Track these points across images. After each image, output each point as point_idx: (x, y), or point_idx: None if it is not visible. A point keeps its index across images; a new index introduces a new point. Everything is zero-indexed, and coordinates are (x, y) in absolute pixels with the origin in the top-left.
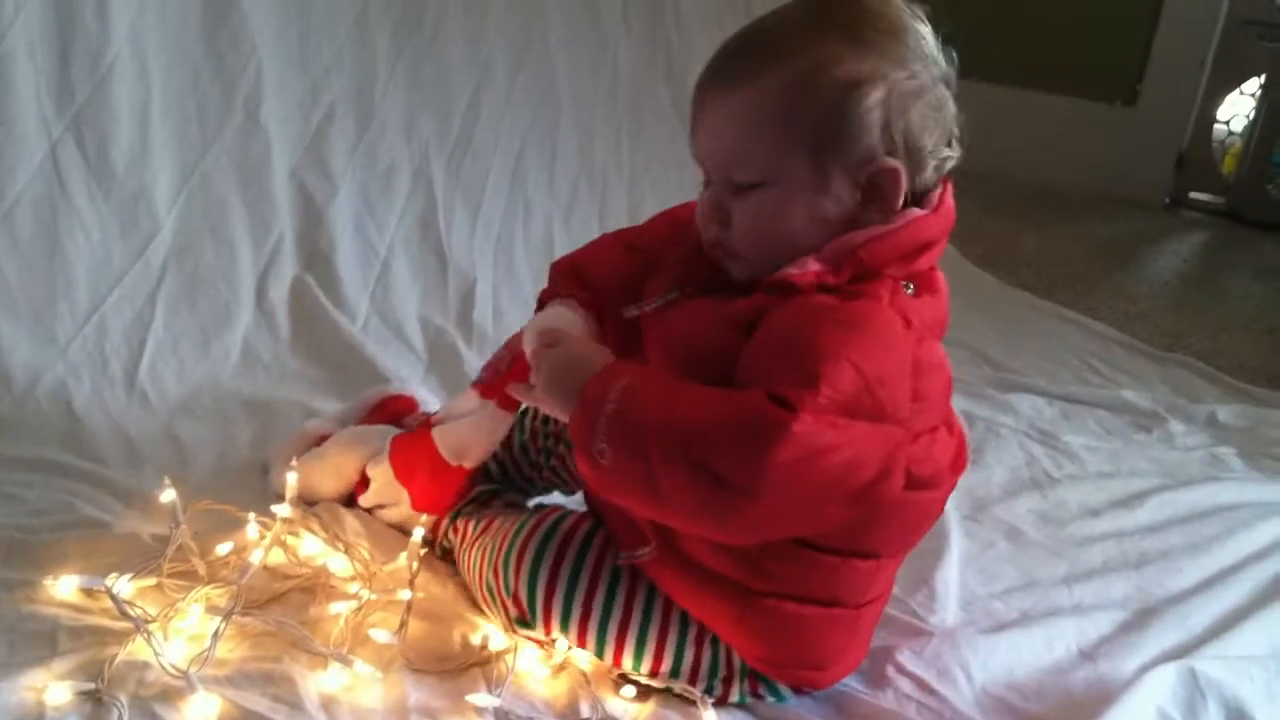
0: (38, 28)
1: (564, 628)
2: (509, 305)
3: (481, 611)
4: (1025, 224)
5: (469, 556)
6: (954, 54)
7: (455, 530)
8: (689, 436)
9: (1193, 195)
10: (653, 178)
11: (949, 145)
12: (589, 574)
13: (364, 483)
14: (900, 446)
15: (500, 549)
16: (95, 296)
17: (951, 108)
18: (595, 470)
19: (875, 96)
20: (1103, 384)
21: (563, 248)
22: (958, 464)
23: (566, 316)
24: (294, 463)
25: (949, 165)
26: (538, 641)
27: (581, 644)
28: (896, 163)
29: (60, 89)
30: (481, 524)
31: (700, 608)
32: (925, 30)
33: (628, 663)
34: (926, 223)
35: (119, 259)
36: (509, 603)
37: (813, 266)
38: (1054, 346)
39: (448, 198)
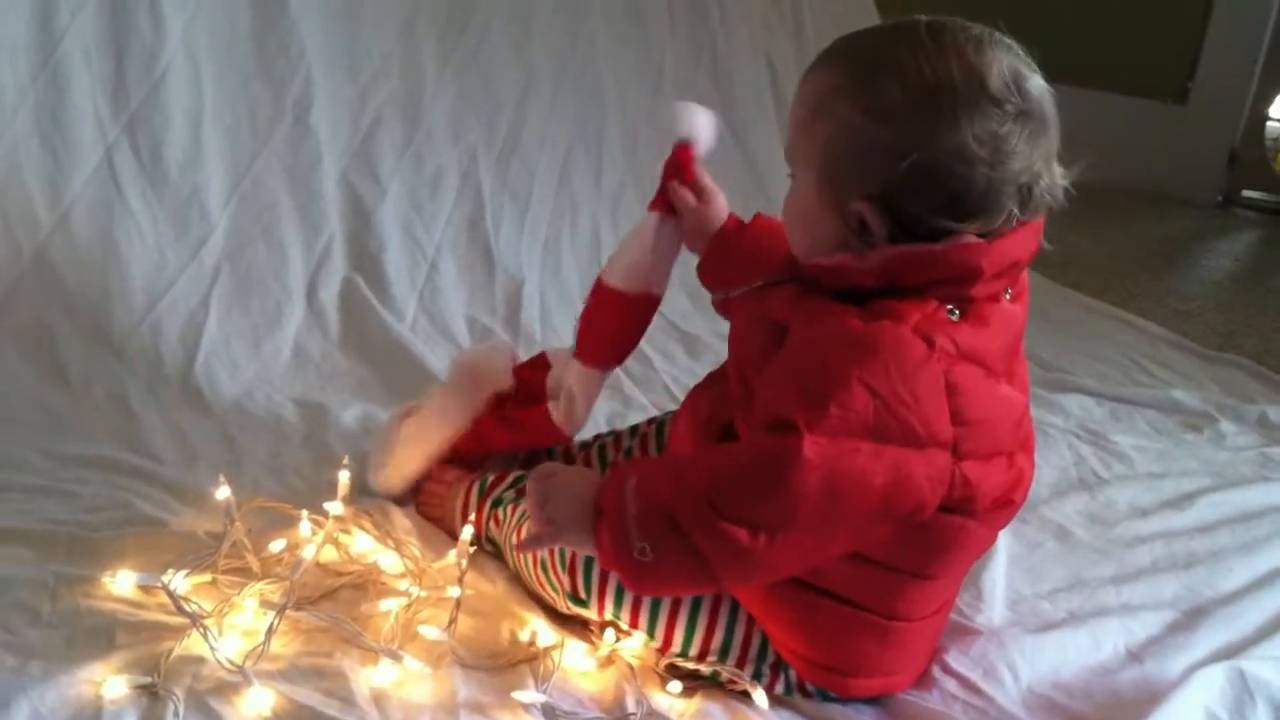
0: (93, 33)
1: (618, 604)
2: (556, 306)
3: (529, 606)
4: (1075, 223)
5: (517, 538)
6: (1033, 111)
7: (496, 520)
8: (711, 494)
9: (1245, 193)
10: None
11: (959, 217)
12: None
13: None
14: (946, 469)
15: None
16: (150, 297)
17: (963, 182)
18: (641, 572)
19: (873, 143)
20: (1153, 384)
21: (609, 249)
22: (1008, 498)
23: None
24: (346, 462)
25: (952, 229)
26: (588, 624)
27: (634, 622)
28: (870, 211)
29: (115, 93)
30: (524, 506)
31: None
32: (977, 96)
33: (678, 640)
34: (975, 250)
35: (173, 260)
36: (563, 578)
37: (840, 259)
38: (1103, 346)
39: (495, 200)
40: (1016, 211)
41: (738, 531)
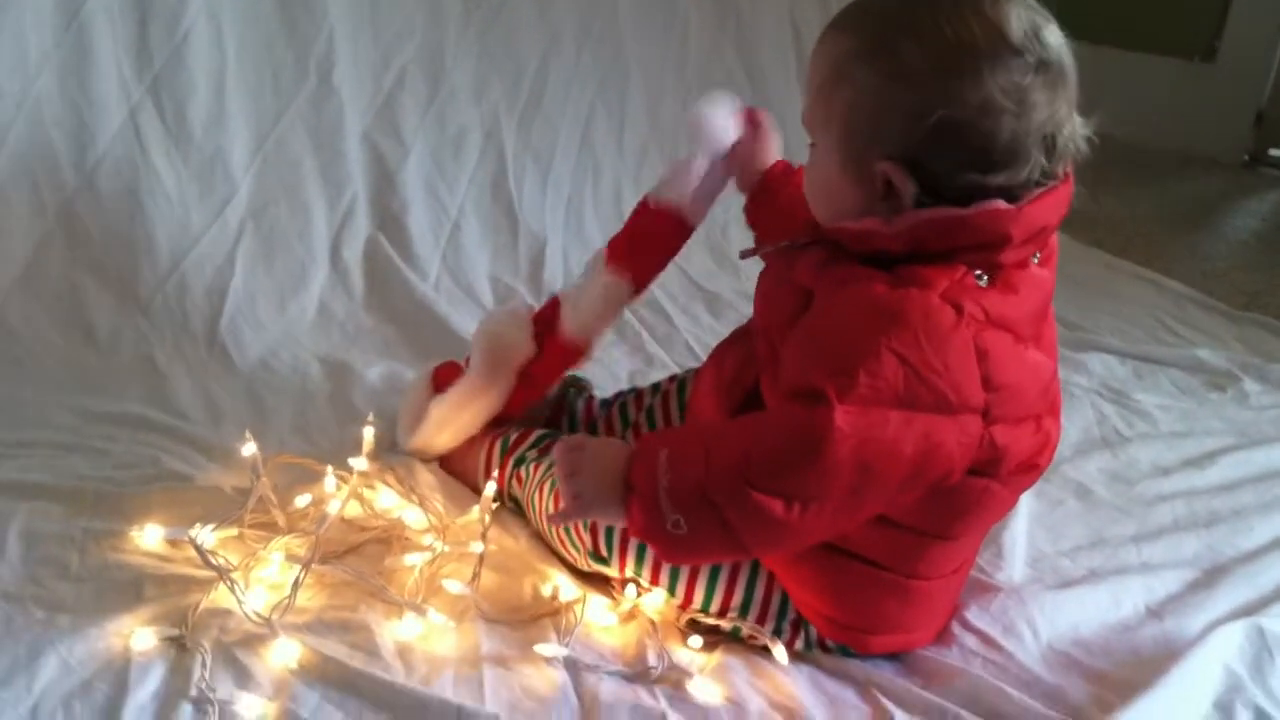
0: None
1: (639, 562)
2: (579, 265)
3: (552, 561)
4: (1100, 182)
5: (540, 497)
6: (1057, 73)
7: (519, 479)
8: (743, 467)
9: (1272, 152)
10: None
11: (986, 170)
12: None
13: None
14: (977, 434)
15: None
16: (175, 255)
17: (987, 136)
18: (674, 543)
19: (891, 103)
20: (1177, 343)
21: (632, 207)
22: (1033, 462)
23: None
24: (371, 419)
25: (980, 184)
26: (609, 580)
27: (654, 580)
28: (897, 170)
29: (139, 54)
30: (544, 466)
31: None
32: (999, 50)
33: (698, 598)
34: (1004, 216)
35: (198, 219)
36: (585, 536)
37: (869, 224)
38: (1128, 305)
39: (518, 160)
40: (1043, 161)
41: (771, 503)
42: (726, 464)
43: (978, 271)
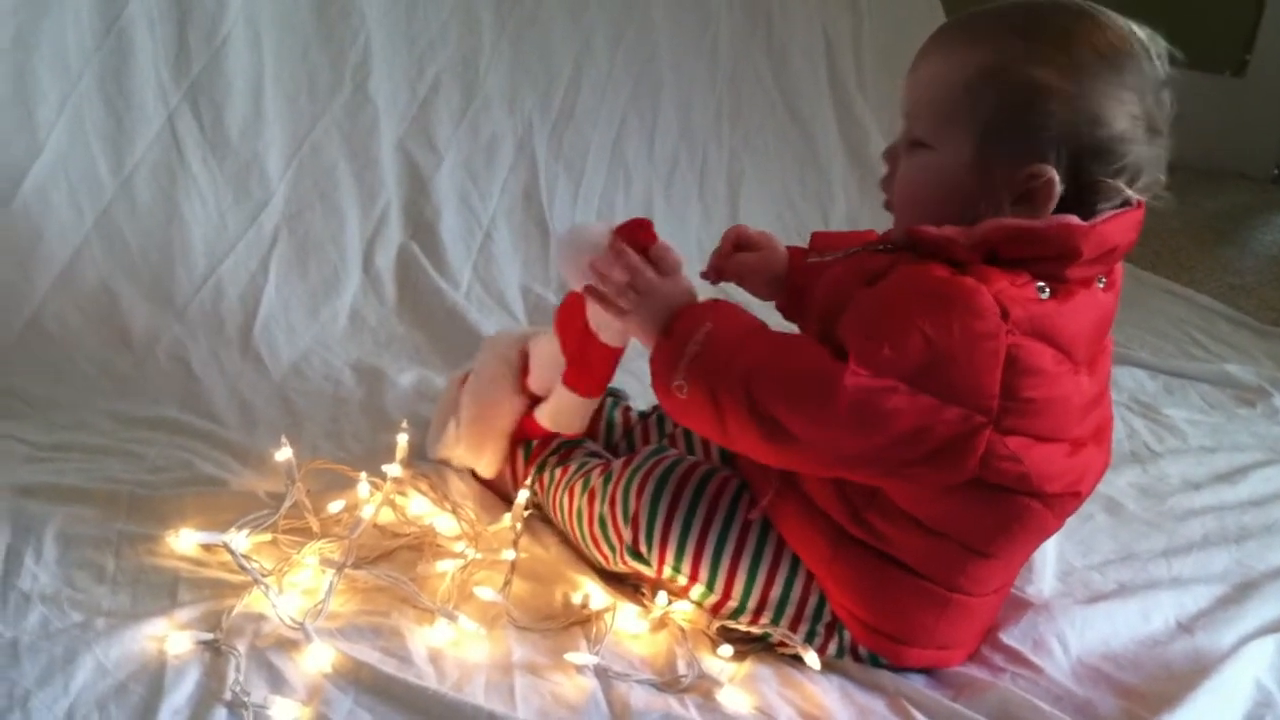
0: (156, 0)
1: (679, 558)
2: None
3: (583, 570)
4: None
5: (569, 498)
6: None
7: (541, 484)
8: (752, 382)
9: None
10: (752, 150)
11: (1128, 179)
12: (706, 506)
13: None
14: (978, 432)
15: (619, 481)
16: (211, 261)
17: (1136, 148)
18: (670, 400)
19: (1059, 107)
20: (1206, 358)
21: (662, 218)
22: (1075, 489)
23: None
24: (405, 425)
25: (1117, 197)
26: (639, 588)
27: (694, 575)
28: (1054, 173)
29: (177, 60)
30: (573, 468)
31: (801, 541)
32: (1145, 66)
33: (737, 592)
34: (1077, 231)
35: (233, 225)
36: (625, 531)
37: (949, 230)
38: (1157, 319)
39: (550, 169)
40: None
41: (759, 423)
42: (741, 370)
43: (1040, 283)
